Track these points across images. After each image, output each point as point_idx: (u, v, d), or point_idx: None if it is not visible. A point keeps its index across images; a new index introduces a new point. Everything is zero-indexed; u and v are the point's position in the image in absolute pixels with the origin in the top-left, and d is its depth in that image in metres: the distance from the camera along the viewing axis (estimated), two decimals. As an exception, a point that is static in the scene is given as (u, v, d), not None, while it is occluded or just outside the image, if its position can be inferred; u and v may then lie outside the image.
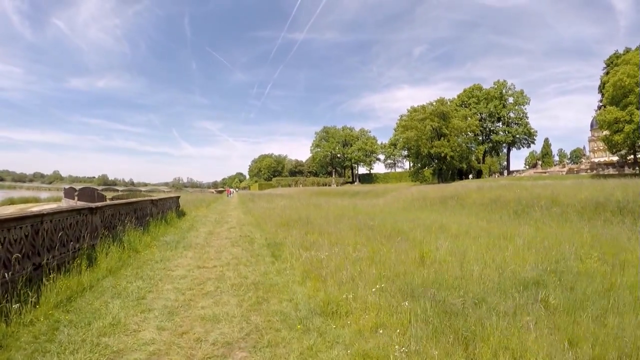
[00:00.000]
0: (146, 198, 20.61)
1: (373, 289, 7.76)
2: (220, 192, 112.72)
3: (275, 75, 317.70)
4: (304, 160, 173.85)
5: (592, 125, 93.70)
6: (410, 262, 10.41)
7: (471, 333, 5.82)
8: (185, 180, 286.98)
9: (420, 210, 31.07)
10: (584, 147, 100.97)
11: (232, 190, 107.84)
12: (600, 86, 77.77)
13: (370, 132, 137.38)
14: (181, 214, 26.97)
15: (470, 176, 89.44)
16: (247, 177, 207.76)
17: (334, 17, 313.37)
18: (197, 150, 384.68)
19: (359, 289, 7.89)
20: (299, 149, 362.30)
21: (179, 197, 30.92)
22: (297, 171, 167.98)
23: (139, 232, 14.75)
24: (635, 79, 45.74)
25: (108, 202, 14.36)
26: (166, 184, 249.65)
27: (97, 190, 37.16)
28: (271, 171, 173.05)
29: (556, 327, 6.06)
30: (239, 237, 17.19)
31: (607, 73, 67.94)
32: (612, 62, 72.33)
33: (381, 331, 6.02)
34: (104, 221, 12.72)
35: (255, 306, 7.52)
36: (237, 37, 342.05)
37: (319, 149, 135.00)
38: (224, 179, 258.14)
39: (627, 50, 69.46)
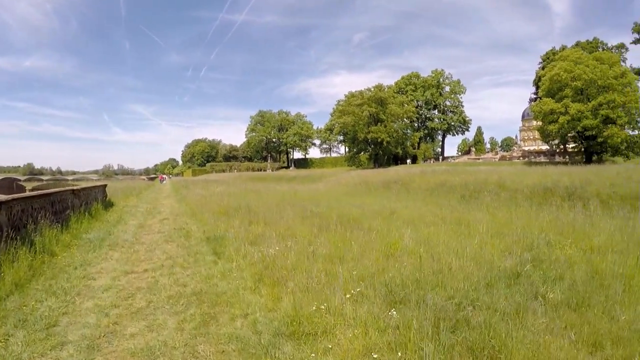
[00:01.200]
0: (66, 188, 17.79)
1: (348, 295, 6.38)
2: (152, 179, 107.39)
3: (212, 58, 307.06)
4: (238, 145, 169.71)
5: (523, 116, 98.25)
6: (377, 256, 9.15)
7: (490, 349, 4.73)
8: (116, 168, 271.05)
9: (365, 195, 30.09)
10: (516, 137, 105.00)
11: (164, 176, 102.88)
12: (535, 80, 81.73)
13: (306, 116, 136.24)
14: (109, 204, 24.15)
15: (409, 161, 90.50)
16: (181, 163, 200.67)
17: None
18: (129, 136, 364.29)
19: (331, 295, 6.36)
20: (234, 134, 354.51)
21: (105, 185, 27.91)
22: (231, 156, 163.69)
23: (56, 230, 12.04)
24: (572, 74, 48.11)
25: (16, 195, 11.63)
26: (96, 172, 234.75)
27: (18, 180, 32.97)
28: (205, 156, 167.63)
29: (570, 327, 5.39)
30: (173, 231, 15.07)
31: (544, 68, 70.89)
32: (548, 58, 75.97)
33: (376, 356, 4.63)
34: (12, 219, 10.17)
35: (201, 329, 5.76)
36: (174, 17, 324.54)
37: (254, 134, 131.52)
38: (156, 166, 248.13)
39: (564, 48, 73.15)
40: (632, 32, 72.48)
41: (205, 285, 7.69)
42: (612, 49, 69.92)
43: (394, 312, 5.64)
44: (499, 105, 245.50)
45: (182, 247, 11.64)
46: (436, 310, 5.71)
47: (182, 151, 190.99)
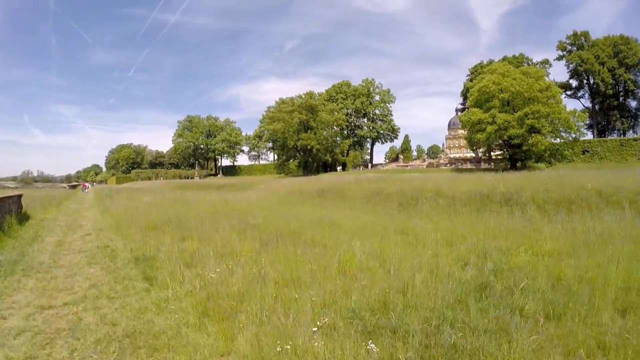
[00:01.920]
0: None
1: (314, 328, 5.45)
2: (74, 186, 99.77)
3: (141, 58, 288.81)
4: (165, 152, 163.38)
5: (449, 125, 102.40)
6: (332, 275, 8.35)
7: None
8: (35, 174, 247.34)
9: (300, 204, 29.22)
10: (443, 144, 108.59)
11: (87, 184, 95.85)
12: (463, 91, 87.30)
13: (235, 123, 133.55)
14: (24, 217, 21.45)
15: (339, 169, 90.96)
16: (104, 169, 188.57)
17: (210, 1, 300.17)
18: (50, 139, 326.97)
19: (295, 330, 5.41)
20: (160, 139, 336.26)
21: (21, 195, 24.91)
22: (157, 163, 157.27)
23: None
24: (500, 86, 51.41)
25: None
26: (14, 179, 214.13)
27: None
28: (130, 163, 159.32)
29: (557, 339, 5.23)
30: (97, 250, 13.17)
31: (472, 80, 75.38)
32: (476, 71, 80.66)
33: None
34: None
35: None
36: (105, 13, 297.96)
37: (181, 139, 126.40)
38: (78, 172, 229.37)
39: (491, 62, 78.80)
40: (557, 50, 79.21)
41: (139, 323, 6.36)
42: (536, 64, 75.42)
43: (373, 346, 4.88)
44: (425, 115, 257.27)
45: (107, 271, 10.06)
46: (418, 338, 5.13)
47: (106, 157, 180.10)
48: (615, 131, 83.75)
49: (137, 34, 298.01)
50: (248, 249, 11.27)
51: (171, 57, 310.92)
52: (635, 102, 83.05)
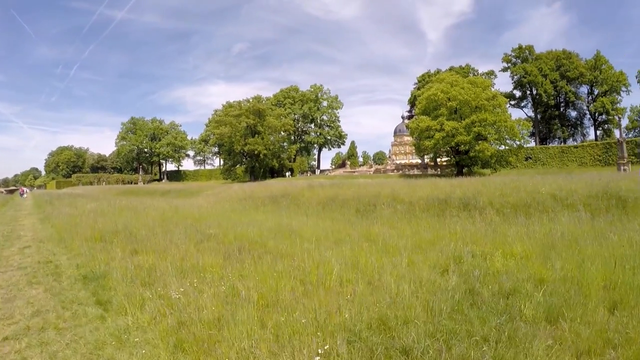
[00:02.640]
0: None
1: (317, 358, 4.71)
2: (12, 191, 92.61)
3: (85, 55, 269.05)
4: (107, 155, 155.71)
5: (395, 132, 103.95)
6: (313, 291, 7.58)
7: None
8: None
9: (254, 211, 28.09)
10: (390, 151, 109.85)
11: (25, 189, 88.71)
12: (410, 99, 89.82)
13: (180, 126, 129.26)
14: None
15: (288, 174, 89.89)
16: (44, 173, 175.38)
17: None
18: None
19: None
20: (102, 142, 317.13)
21: None
22: (99, 167, 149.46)
23: None
24: (447, 94, 52.63)
25: None
26: None
27: None
28: (71, 166, 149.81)
29: (565, 342, 5.18)
30: (38, 266, 11.38)
31: (419, 88, 78.27)
32: (424, 79, 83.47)
33: None
34: None
35: None
36: (50, 4, 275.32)
37: (125, 142, 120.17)
38: (16, 176, 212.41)
39: (438, 71, 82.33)
40: (503, 62, 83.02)
41: (99, 366, 5.19)
42: (482, 74, 78.18)
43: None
44: (370, 122, 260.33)
45: (52, 293, 8.56)
46: (432, 356, 4.80)
47: (46, 160, 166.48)
48: (556, 139, 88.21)
49: (82, 28, 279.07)
50: (211, 263, 10.19)
51: (116, 56, 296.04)
52: (575, 112, 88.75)
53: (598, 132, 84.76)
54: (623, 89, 79.51)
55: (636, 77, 79.03)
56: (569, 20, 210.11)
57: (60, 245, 14.66)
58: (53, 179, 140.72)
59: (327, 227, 18.14)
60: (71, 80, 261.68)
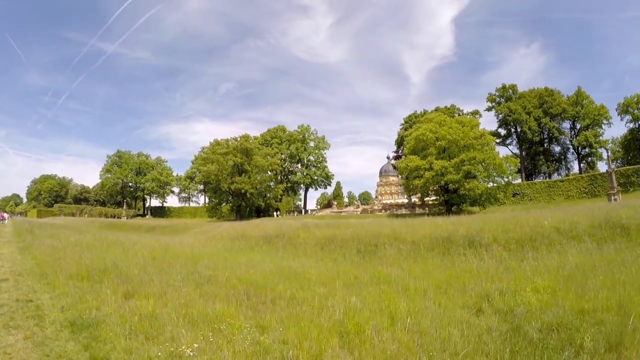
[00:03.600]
0: None
1: None
2: None
3: (74, 85, 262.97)
4: (91, 187, 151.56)
5: (381, 172, 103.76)
6: (355, 344, 6.68)
7: None
8: None
9: (248, 251, 26.40)
10: (376, 191, 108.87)
11: (5, 215, 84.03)
12: (397, 139, 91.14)
13: (167, 161, 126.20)
14: None
15: (277, 214, 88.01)
16: (25, 200, 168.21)
17: (150, 36, 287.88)
18: None
19: None
20: (86, 173, 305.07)
21: None
22: (82, 198, 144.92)
23: None
24: (436, 134, 52.90)
25: None
26: None
27: None
28: (53, 196, 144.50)
29: None
30: (17, 305, 9.53)
31: (406, 129, 79.23)
32: (410, 120, 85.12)
33: None
34: None
35: None
36: (44, 33, 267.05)
37: (109, 175, 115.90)
38: None
39: (425, 112, 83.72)
40: (487, 101, 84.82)
41: None
42: (467, 114, 78.59)
43: None
44: (355, 162, 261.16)
45: (33, 342, 6.89)
46: None
47: (28, 187, 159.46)
48: (541, 174, 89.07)
49: (73, 59, 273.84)
50: (221, 311, 8.72)
51: (105, 88, 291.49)
52: (558, 147, 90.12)
53: (582, 165, 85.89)
54: (604, 122, 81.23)
55: (616, 110, 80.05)
56: (547, 60, 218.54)
57: (42, 281, 12.74)
58: (34, 207, 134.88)
59: (331, 268, 17.35)
60: (59, 109, 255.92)
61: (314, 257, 22.47)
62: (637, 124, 78.31)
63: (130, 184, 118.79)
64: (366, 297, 10.16)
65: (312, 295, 10.72)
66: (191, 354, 6.01)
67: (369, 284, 12.74)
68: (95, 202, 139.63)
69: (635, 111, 77.09)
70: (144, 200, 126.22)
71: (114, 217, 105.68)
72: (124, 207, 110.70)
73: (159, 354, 6.03)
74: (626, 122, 79.65)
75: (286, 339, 6.85)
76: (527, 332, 6.73)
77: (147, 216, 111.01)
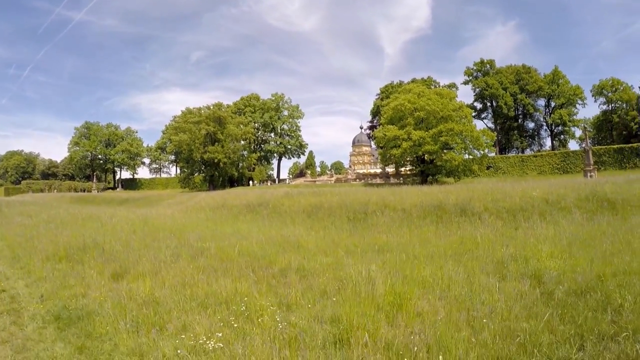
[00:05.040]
0: None
1: None
2: None
3: (40, 56, 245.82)
4: (59, 161, 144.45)
5: (354, 142, 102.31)
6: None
7: None
8: None
9: (233, 221, 24.91)
10: (350, 160, 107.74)
11: None
12: (373, 109, 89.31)
13: (137, 132, 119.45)
14: None
15: (255, 183, 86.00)
16: None
17: (119, 2, 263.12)
18: None
19: None
20: (54, 148, 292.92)
21: None
22: (50, 174, 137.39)
23: None
24: (414, 104, 51.52)
25: None
26: None
27: None
28: (20, 173, 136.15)
29: None
30: None
31: (382, 99, 77.66)
32: (387, 90, 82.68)
33: None
34: None
35: None
36: (6, 0, 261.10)
37: (78, 148, 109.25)
38: None
39: (401, 83, 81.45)
40: (465, 75, 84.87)
41: None
42: (444, 87, 78.03)
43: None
44: (327, 132, 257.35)
45: (13, 349, 5.32)
46: None
47: None
48: (514, 149, 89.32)
49: (38, 28, 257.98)
50: (230, 288, 7.45)
51: (72, 59, 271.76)
52: (532, 124, 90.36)
53: (554, 143, 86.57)
54: (579, 102, 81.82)
55: (591, 91, 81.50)
56: (522, 38, 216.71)
57: (15, 265, 11.09)
58: (1, 185, 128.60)
59: (324, 237, 16.48)
60: (24, 82, 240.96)
61: (303, 226, 21.36)
62: (610, 106, 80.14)
63: (99, 156, 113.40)
64: (382, 266, 9.25)
65: (320, 265, 9.84)
66: (216, 346, 4.76)
67: (370, 251, 12.00)
68: (64, 177, 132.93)
69: (610, 94, 78.82)
70: (114, 172, 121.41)
71: (84, 191, 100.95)
72: (94, 181, 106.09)
73: (178, 350, 4.74)
74: (600, 104, 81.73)
75: (322, 316, 5.86)
76: (560, 296, 6.60)
77: (117, 189, 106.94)
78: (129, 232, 16.72)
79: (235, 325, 5.53)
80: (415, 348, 4.54)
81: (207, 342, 4.89)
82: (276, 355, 4.53)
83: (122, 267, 9.61)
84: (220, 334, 5.13)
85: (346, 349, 4.76)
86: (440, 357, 4.39)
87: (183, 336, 5.17)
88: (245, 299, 6.70)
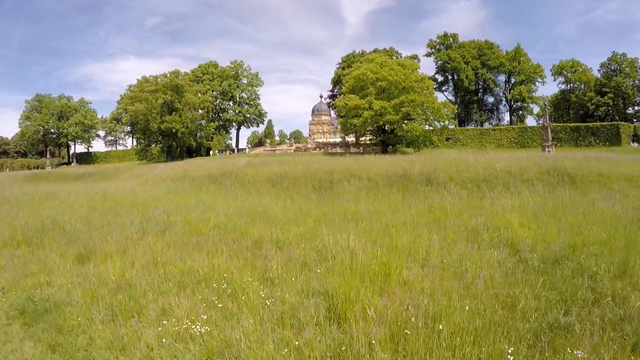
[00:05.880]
0: None
1: None
2: None
3: None
4: (9, 138, 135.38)
5: (313, 111, 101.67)
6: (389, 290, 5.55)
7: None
8: None
9: (196, 192, 24.12)
10: (310, 130, 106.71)
11: None
12: (334, 78, 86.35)
13: (90, 103, 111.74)
14: None
15: (217, 152, 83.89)
16: None
17: None
18: None
19: None
20: (4, 124, 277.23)
21: None
22: (1, 152, 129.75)
23: None
24: (377, 74, 51.26)
25: None
26: None
27: None
28: None
29: None
30: None
31: (344, 68, 76.19)
32: (348, 59, 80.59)
33: None
34: None
35: None
36: None
37: (29, 122, 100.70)
38: None
39: (363, 52, 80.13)
40: (427, 47, 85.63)
41: None
42: (406, 58, 77.16)
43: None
44: (286, 101, 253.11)
45: None
46: None
47: None
48: (474, 122, 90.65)
49: None
50: (207, 264, 7.05)
51: (20, 26, 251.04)
52: (492, 98, 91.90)
53: (513, 118, 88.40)
54: (539, 80, 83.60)
55: (551, 71, 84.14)
56: (485, 14, 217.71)
57: (-33, 252, 10.21)
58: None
59: (291, 206, 16.20)
60: None
61: (268, 195, 21.06)
62: (569, 86, 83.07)
63: (52, 130, 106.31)
64: (359, 235, 8.80)
65: (294, 236, 9.49)
66: (203, 330, 4.39)
67: (341, 220, 11.68)
68: (15, 154, 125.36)
69: (569, 74, 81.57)
70: (68, 147, 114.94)
71: (38, 168, 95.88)
72: (48, 157, 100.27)
73: (163, 339, 4.33)
74: (558, 83, 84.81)
75: (308, 290, 5.69)
76: (536, 264, 6.77)
77: (72, 164, 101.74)
78: (90, 209, 15.84)
79: (220, 305, 5.17)
80: (413, 318, 4.33)
81: (193, 326, 4.51)
82: (270, 334, 4.23)
83: (87, 247, 8.94)
84: (205, 317, 4.75)
85: (344, 324, 4.51)
86: (441, 326, 4.20)
87: (165, 322, 4.75)
88: (225, 275, 6.31)
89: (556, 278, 6.05)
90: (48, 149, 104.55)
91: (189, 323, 4.60)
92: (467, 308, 4.69)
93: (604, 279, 5.88)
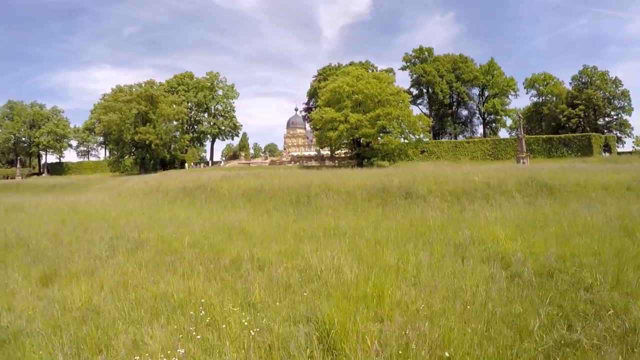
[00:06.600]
0: None
1: None
2: None
3: None
4: None
5: (288, 124, 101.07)
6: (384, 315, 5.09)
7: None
8: None
9: (170, 206, 23.19)
10: (285, 143, 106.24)
11: None
12: (310, 91, 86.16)
13: (63, 112, 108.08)
14: None
15: (193, 165, 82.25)
16: None
17: None
18: None
19: None
20: None
21: None
22: None
23: None
24: (353, 87, 51.09)
25: None
26: None
27: None
28: None
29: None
30: None
31: (320, 81, 75.93)
32: (325, 72, 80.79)
33: None
34: None
35: None
36: None
37: (0, 130, 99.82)
38: None
39: (339, 65, 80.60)
40: (403, 60, 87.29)
41: None
42: (381, 71, 77.37)
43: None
44: (261, 114, 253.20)
45: None
46: None
47: None
48: (447, 135, 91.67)
49: None
50: (183, 288, 6.54)
51: None
52: (466, 111, 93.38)
53: (486, 130, 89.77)
54: (512, 93, 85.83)
55: (523, 84, 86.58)
56: (459, 30, 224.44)
57: None
58: None
59: (268, 221, 15.80)
60: None
61: (245, 210, 20.39)
62: (541, 98, 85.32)
63: (23, 138, 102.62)
64: (344, 253, 8.55)
65: (273, 254, 9.02)
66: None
67: (322, 236, 11.17)
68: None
69: (541, 87, 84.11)
70: (39, 156, 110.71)
71: (7, 177, 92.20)
72: (18, 166, 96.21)
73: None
74: (531, 96, 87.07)
75: (296, 316, 5.27)
76: (528, 278, 6.60)
77: (43, 174, 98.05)
78: (58, 223, 15.00)
79: (199, 337, 4.64)
80: (414, 346, 3.94)
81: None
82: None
83: (51, 267, 8.28)
84: (183, 350, 4.21)
85: (340, 356, 4.09)
86: (447, 353, 3.86)
87: (137, 357, 4.21)
88: (202, 300, 5.79)
89: (553, 292, 5.92)
90: (19, 158, 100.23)
91: (164, 359, 4.10)
92: (470, 330, 4.40)
93: (600, 290, 5.80)
